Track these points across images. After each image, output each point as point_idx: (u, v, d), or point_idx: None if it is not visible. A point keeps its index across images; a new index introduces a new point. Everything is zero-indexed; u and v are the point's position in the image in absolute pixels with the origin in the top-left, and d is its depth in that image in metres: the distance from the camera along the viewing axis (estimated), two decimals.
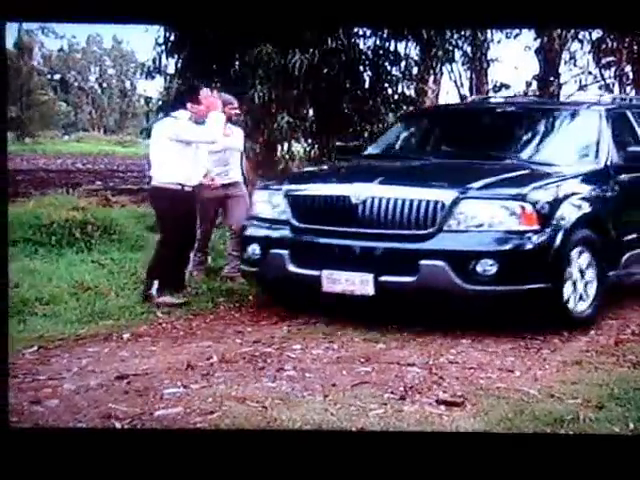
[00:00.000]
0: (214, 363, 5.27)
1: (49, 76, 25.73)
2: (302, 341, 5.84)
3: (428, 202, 6.13)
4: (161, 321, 6.41)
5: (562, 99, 16.09)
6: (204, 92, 7.13)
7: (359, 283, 6.17)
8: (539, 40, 17.12)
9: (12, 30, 23.67)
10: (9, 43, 23.62)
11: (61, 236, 8.76)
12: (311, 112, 11.98)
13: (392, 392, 4.76)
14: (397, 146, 8.29)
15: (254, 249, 6.76)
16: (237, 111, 7.99)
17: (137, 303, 6.75)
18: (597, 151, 7.22)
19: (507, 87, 17.66)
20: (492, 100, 11.06)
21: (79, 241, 8.76)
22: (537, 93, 17.47)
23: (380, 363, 5.33)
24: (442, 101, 15.34)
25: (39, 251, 8.37)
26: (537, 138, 7.63)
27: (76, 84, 26.45)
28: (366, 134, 11.69)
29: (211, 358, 5.36)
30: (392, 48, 11.76)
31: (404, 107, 12.30)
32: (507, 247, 6.03)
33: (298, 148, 12.43)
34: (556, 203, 6.29)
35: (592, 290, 6.56)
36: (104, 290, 7.02)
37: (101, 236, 8.95)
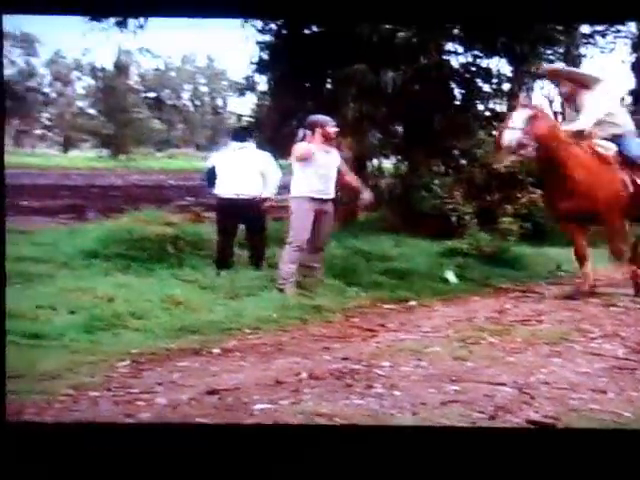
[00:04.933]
0: (302, 379, 5.26)
1: (144, 94, 26.23)
2: (390, 358, 5.80)
3: None
4: (250, 337, 6.45)
5: None
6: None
7: None
8: (635, 55, 16.76)
9: (112, 50, 24.20)
10: (109, 63, 24.16)
11: (153, 251, 8.88)
12: (401, 129, 11.99)
13: (482, 412, 4.70)
14: None
15: None
16: (335, 129, 8.12)
17: (226, 318, 6.79)
18: None
19: None
20: None
21: (170, 256, 8.85)
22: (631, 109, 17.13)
23: (469, 382, 5.28)
24: None
25: (132, 266, 8.47)
26: None
27: (169, 102, 26.91)
28: (456, 151, 11.64)
29: (299, 374, 5.35)
30: (484, 65, 11.71)
31: (495, 123, 12.22)
32: None
33: (387, 165, 12.44)
34: None
35: None
36: (194, 305, 7.10)
37: (192, 251, 9.03)
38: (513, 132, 8.07)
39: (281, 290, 7.71)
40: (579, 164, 8.30)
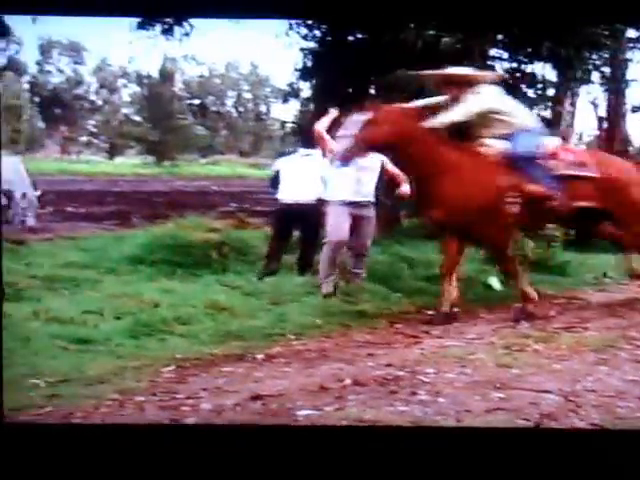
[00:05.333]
0: (346, 386, 5.28)
1: (188, 101, 26.46)
2: (435, 365, 5.79)
3: None
4: (294, 343, 6.47)
5: None
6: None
7: None
8: None
9: (157, 57, 24.38)
10: (154, 70, 24.38)
11: (197, 257, 8.93)
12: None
13: (527, 419, 4.68)
14: None
15: None
16: None
17: (270, 324, 6.82)
18: None
19: None
20: None
21: (215, 262, 8.90)
22: None
23: (514, 389, 5.25)
24: (578, 123, 15.03)
25: (177, 272, 8.53)
26: None
27: (214, 108, 27.07)
28: None
29: (343, 380, 5.37)
30: (529, 70, 11.66)
31: None
32: None
33: None
34: None
35: None
36: (238, 311, 7.14)
37: (236, 257, 9.08)
38: (340, 142, 7.46)
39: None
40: (447, 167, 7.31)
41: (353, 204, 7.96)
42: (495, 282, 8.70)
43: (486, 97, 7.51)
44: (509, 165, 7.43)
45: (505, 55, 11.63)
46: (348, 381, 5.35)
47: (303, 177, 8.55)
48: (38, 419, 4.47)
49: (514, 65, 11.69)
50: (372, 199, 8.09)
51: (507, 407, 4.87)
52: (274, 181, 8.81)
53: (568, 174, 7.57)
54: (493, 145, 7.51)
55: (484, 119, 7.49)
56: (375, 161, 8.07)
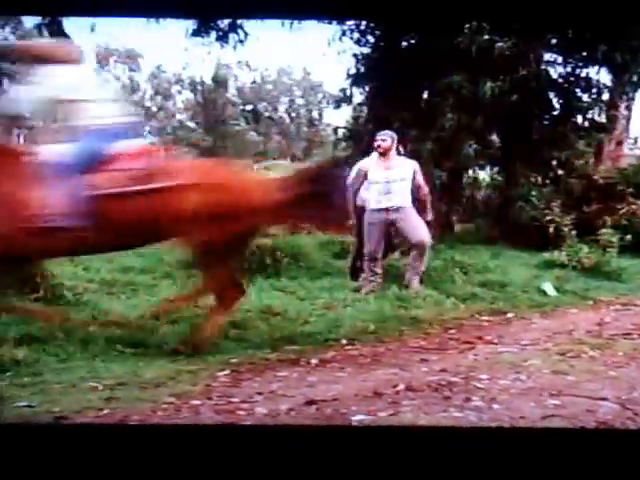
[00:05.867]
0: (400, 391, 5.27)
1: (241, 107, 26.65)
2: (489, 371, 5.76)
3: None
4: (347, 348, 6.49)
5: None
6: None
7: None
8: None
9: (211, 64, 24.57)
10: (208, 77, 24.59)
11: (252, 262, 8.98)
12: (497, 139, 11.94)
13: (583, 427, 4.64)
14: None
15: None
16: (380, 142, 8.17)
17: (324, 329, 6.85)
18: None
19: None
20: None
21: (269, 267, 8.96)
22: None
23: (570, 396, 5.21)
24: (633, 128, 14.85)
25: None
26: None
27: (266, 114, 27.22)
28: (554, 161, 11.53)
29: (397, 386, 5.36)
30: (583, 74, 11.58)
31: (594, 134, 12.07)
32: None
33: (483, 175, 12.40)
34: None
35: None
36: (292, 316, 7.18)
37: (289, 262, 9.13)
38: None
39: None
40: None
41: (385, 210, 8.20)
42: (549, 288, 8.65)
43: (52, 81, 5.76)
44: (45, 178, 5.64)
45: (560, 59, 11.57)
46: (402, 386, 5.34)
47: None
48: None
49: (569, 69, 11.62)
50: (407, 204, 8.19)
51: (563, 414, 4.83)
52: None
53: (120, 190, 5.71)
54: (42, 150, 5.80)
55: (57, 108, 5.81)
56: (406, 170, 8.16)
